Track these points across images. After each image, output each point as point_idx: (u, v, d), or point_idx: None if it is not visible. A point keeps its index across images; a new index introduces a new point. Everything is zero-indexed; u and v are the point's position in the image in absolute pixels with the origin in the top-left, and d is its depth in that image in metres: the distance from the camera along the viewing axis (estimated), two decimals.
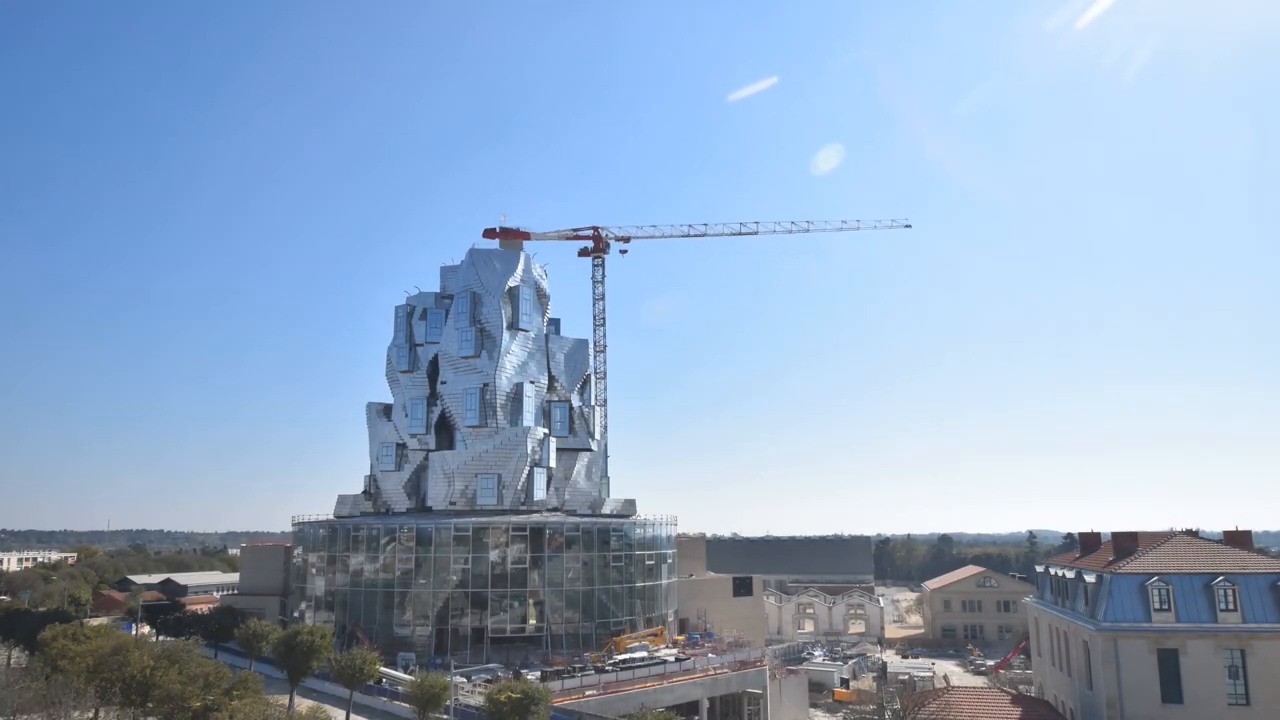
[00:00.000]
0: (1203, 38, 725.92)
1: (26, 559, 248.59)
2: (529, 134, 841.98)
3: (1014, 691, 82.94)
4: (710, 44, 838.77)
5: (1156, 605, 62.31)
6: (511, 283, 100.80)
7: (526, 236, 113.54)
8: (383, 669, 65.60)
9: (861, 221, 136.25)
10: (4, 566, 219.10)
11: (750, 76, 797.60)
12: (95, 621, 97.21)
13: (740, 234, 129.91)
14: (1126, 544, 71.93)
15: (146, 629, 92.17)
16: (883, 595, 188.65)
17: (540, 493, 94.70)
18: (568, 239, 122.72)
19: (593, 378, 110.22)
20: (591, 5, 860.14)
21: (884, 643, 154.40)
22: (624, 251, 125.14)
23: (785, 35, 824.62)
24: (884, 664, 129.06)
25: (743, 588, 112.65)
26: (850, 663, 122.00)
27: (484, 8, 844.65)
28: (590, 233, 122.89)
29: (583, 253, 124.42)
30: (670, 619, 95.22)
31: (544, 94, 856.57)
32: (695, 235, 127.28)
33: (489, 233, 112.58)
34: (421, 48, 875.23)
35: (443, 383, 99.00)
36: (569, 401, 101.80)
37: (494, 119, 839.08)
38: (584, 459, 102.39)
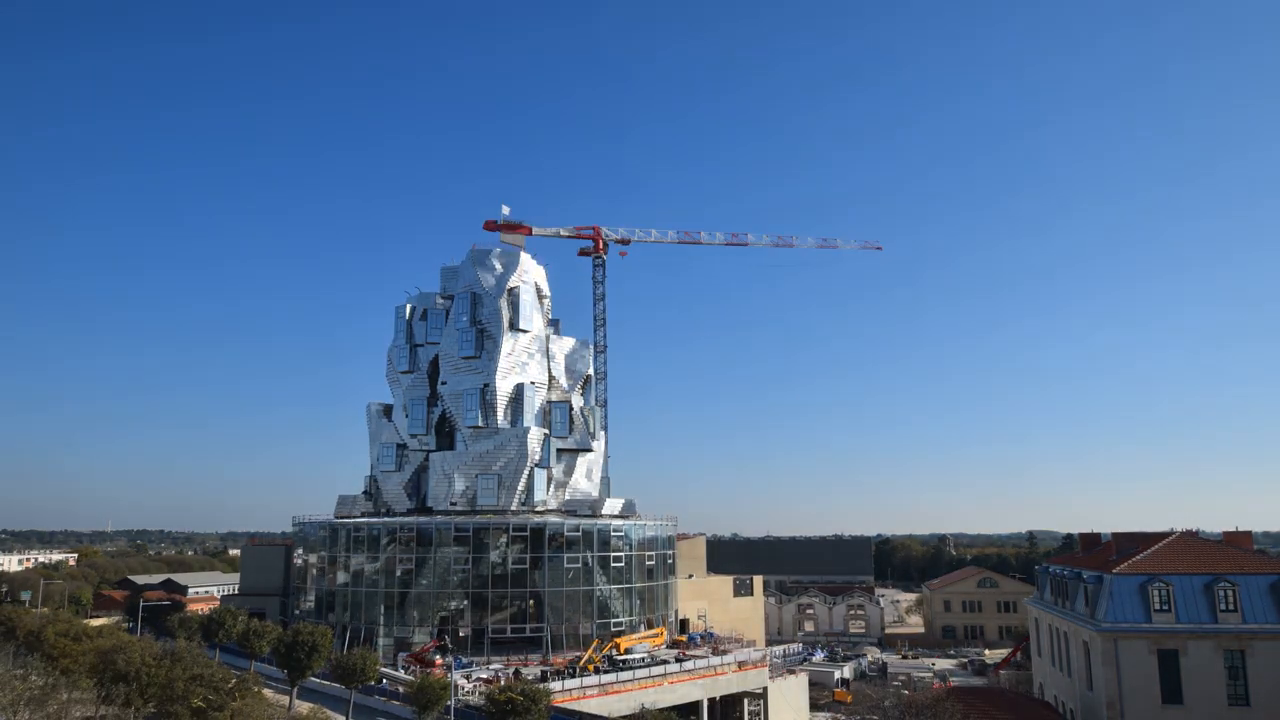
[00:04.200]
0: None
1: (27, 559, 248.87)
2: (530, 134, 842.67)
3: (1014, 692, 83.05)
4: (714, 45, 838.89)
5: (1156, 606, 62.44)
6: (512, 283, 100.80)
7: (528, 231, 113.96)
8: (383, 669, 65.66)
9: (841, 240, 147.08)
10: (5, 567, 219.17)
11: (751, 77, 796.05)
12: (97, 621, 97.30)
13: (731, 244, 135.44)
14: (1126, 544, 72.16)
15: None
16: (883, 596, 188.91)
17: (540, 493, 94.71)
18: (569, 237, 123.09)
19: (593, 378, 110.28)
20: (596, 7, 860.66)
21: (884, 643, 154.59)
22: (623, 254, 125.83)
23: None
24: (884, 664, 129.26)
25: (743, 588, 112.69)
26: (850, 663, 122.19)
27: (487, 8, 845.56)
28: (591, 232, 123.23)
29: (583, 252, 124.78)
30: (671, 619, 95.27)
31: (544, 93, 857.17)
32: (689, 242, 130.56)
33: (490, 224, 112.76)
34: (423, 46, 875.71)
35: (443, 383, 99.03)
36: (569, 402, 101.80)
37: (495, 119, 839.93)
38: (584, 459, 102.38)
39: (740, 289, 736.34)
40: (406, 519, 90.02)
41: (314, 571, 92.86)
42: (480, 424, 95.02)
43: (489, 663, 76.32)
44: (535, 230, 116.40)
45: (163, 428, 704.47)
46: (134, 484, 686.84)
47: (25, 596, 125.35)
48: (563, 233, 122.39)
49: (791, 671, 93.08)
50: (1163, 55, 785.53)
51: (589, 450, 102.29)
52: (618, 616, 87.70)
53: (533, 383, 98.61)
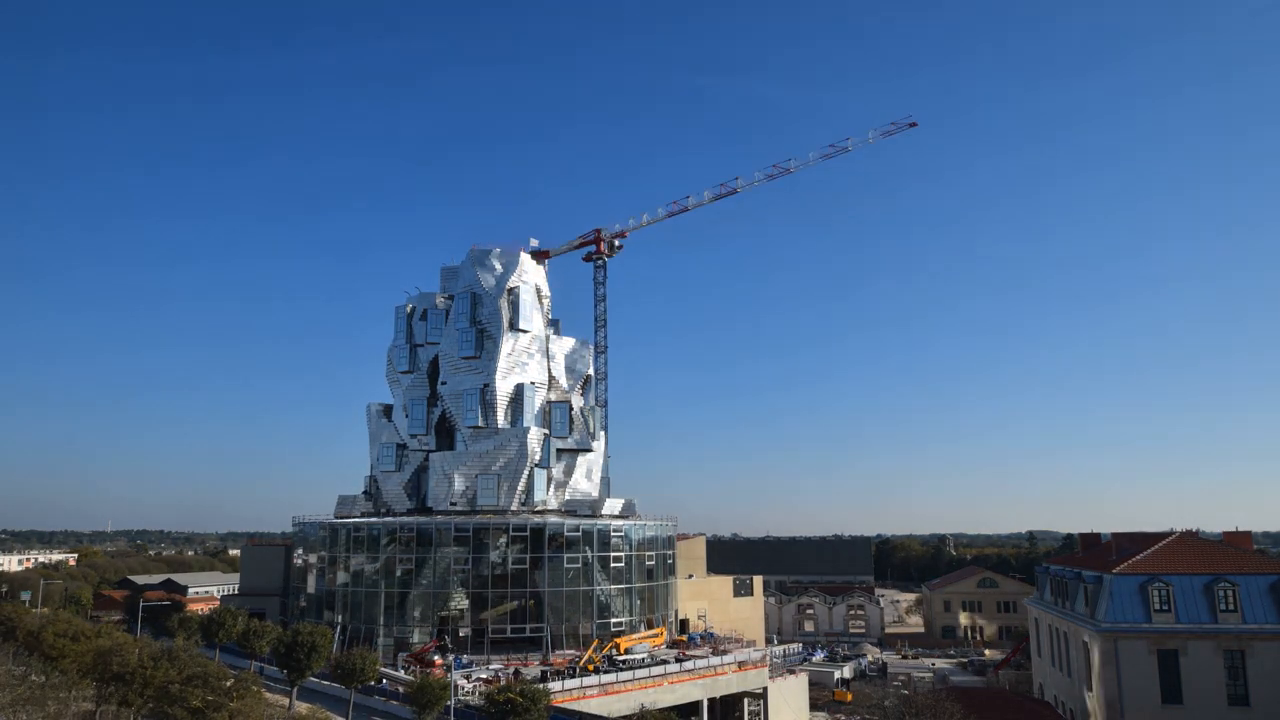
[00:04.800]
0: None
1: (27, 559, 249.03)
2: (529, 133, 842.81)
3: (1014, 692, 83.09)
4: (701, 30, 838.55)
5: (1156, 606, 62.47)
6: (511, 283, 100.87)
7: (548, 255, 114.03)
8: (382, 669, 65.66)
9: (853, 140, 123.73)
10: (5, 567, 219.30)
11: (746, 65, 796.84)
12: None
13: (721, 196, 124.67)
14: (1126, 544, 72.24)
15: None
16: (882, 596, 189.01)
17: (540, 493, 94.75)
18: (576, 248, 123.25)
19: (593, 378, 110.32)
20: (594, 7, 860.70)
21: (884, 643, 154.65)
22: (619, 247, 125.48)
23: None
24: (884, 664, 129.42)
25: (743, 588, 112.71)
26: (850, 663, 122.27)
27: (487, 8, 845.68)
28: (593, 236, 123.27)
29: (587, 258, 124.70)
30: (671, 619, 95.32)
31: (543, 93, 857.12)
32: (679, 212, 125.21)
33: None
34: (425, 46, 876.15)
35: (443, 383, 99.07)
36: (569, 402, 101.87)
37: (495, 118, 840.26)
38: (584, 459, 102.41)
39: (742, 287, 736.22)
40: (406, 519, 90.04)
41: (314, 572, 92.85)
42: (480, 424, 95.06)
43: (489, 663, 76.36)
44: (553, 252, 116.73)
45: (163, 428, 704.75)
46: (134, 484, 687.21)
47: (25, 596, 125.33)
48: (573, 246, 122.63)
49: (791, 671, 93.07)
50: None
51: (589, 450, 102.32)
52: (618, 616, 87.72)
53: (533, 383, 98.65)
